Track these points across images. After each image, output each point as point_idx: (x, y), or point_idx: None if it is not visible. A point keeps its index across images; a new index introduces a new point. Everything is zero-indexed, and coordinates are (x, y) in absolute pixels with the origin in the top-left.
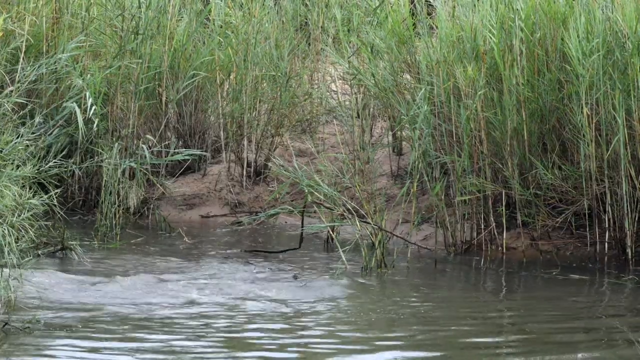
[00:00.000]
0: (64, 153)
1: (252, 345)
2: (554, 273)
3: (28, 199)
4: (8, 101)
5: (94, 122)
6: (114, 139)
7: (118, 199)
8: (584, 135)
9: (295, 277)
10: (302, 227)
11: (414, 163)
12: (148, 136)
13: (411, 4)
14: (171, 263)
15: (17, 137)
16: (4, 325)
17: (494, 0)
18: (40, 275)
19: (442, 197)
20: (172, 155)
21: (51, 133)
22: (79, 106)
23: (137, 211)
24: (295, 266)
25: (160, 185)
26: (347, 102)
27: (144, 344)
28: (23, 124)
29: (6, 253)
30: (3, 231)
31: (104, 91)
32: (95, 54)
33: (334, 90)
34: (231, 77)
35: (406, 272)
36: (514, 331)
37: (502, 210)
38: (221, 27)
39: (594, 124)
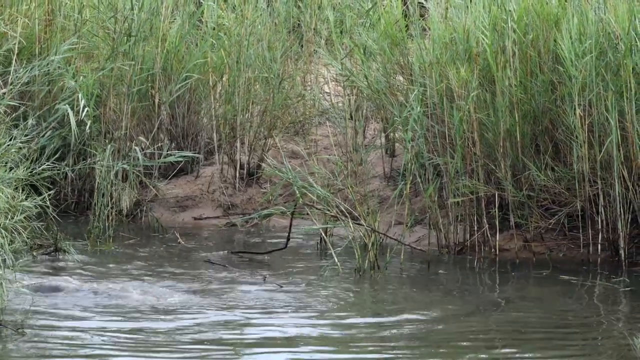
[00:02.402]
0: (56, 155)
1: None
2: (546, 274)
3: (21, 201)
4: (0, 103)
5: (87, 124)
6: (107, 141)
7: (111, 200)
8: (576, 137)
9: (264, 279)
10: (290, 228)
11: (407, 165)
12: (141, 138)
13: (404, 5)
14: (163, 266)
15: (10, 140)
16: None
17: (486, 1)
18: (34, 277)
19: (435, 198)
20: (164, 157)
21: (44, 135)
22: (72, 108)
23: (130, 213)
24: (288, 268)
25: (153, 187)
26: (340, 104)
27: (141, 347)
28: (16, 126)
29: None
30: None
31: (96, 93)
32: (87, 56)
33: (326, 92)
34: (224, 79)
35: (399, 274)
36: (506, 332)
37: (495, 211)
38: (214, 29)
39: (586, 126)
